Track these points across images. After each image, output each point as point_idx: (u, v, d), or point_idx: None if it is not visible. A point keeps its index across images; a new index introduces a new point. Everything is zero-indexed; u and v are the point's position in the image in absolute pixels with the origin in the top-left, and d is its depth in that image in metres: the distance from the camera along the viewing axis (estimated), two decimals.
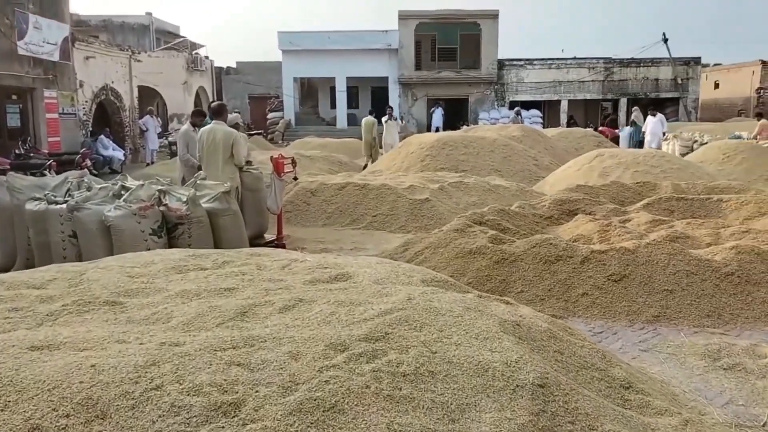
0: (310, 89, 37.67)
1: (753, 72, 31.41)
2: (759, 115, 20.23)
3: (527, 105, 31.19)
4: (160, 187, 6.80)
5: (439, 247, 6.75)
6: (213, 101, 21.49)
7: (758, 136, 17.29)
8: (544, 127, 25.67)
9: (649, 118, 18.21)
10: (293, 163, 8.31)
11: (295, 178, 8.79)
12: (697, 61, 33.10)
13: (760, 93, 30.40)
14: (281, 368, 2.50)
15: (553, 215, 8.68)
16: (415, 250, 7.00)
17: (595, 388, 3.12)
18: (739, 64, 34.02)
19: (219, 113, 7.89)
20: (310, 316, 3.10)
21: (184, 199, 6.60)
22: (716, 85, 35.33)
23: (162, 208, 6.63)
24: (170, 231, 6.62)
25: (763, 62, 31.09)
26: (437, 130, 25.58)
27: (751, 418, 3.66)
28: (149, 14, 31.98)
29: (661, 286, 5.52)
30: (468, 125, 26.30)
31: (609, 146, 17.93)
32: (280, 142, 29.85)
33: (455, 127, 25.62)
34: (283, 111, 33.79)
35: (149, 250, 6.04)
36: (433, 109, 28.66)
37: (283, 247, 8.09)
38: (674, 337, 4.94)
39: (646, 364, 4.47)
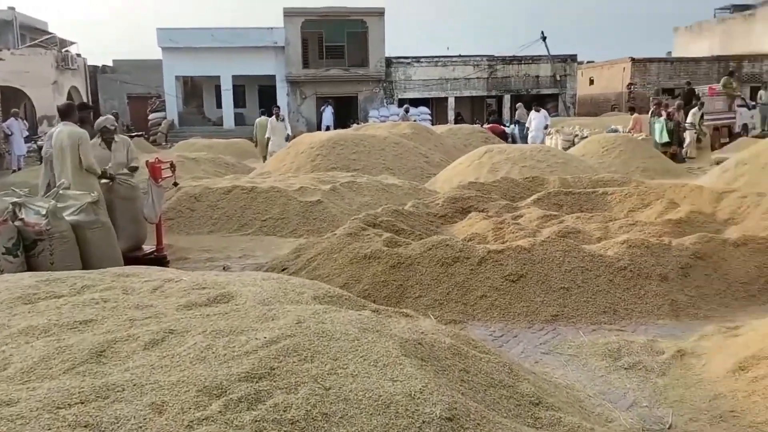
0: (194, 88, 36.08)
1: (624, 68, 33.35)
2: (632, 110, 21.43)
3: (416, 102, 31.44)
4: (14, 200, 5.99)
5: (332, 252, 6.39)
6: (84, 102, 19.95)
7: (632, 130, 18.26)
8: (432, 124, 25.90)
9: (533, 113, 18.70)
10: (172, 167, 7.64)
11: (175, 184, 8.11)
12: (573, 58, 34.74)
13: (630, 88, 32.32)
14: (140, 427, 2.04)
15: (447, 213, 8.56)
16: (308, 257, 6.60)
17: (504, 408, 2.88)
18: (611, 61, 36.03)
19: (66, 113, 6.98)
20: (182, 352, 2.64)
21: (43, 212, 5.84)
22: (591, 82, 37.24)
23: (17, 223, 5.84)
24: (28, 249, 5.85)
25: (633, 59, 33.09)
26: (328, 128, 25.16)
27: (656, 420, 3.57)
28: (12, 9, 29.34)
29: (558, 284, 5.46)
30: (358, 123, 26.10)
31: (497, 142, 18.26)
32: (163, 143, 28.33)
33: (346, 126, 25.34)
34: (165, 111, 32.11)
35: (2, 272, 5.27)
36: (323, 107, 28.21)
37: (164, 258, 7.42)
38: (574, 337, 4.86)
39: (549, 368, 4.34)
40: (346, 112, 31.66)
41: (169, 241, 8.17)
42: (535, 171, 11.67)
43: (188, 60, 31.21)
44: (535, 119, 18.36)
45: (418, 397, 2.38)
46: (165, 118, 31.71)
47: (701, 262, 5.63)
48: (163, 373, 2.44)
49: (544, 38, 34.39)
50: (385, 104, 32.54)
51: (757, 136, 18.50)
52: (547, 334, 4.99)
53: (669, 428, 3.49)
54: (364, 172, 12.67)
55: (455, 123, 29.19)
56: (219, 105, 33.42)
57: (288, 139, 17.47)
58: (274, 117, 17.53)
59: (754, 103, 21.46)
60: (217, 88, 33.01)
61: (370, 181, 11.09)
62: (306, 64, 32.38)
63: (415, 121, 23.69)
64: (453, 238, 6.56)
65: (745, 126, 20.02)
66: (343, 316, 3.09)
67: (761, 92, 22.15)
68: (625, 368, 4.23)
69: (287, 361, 2.54)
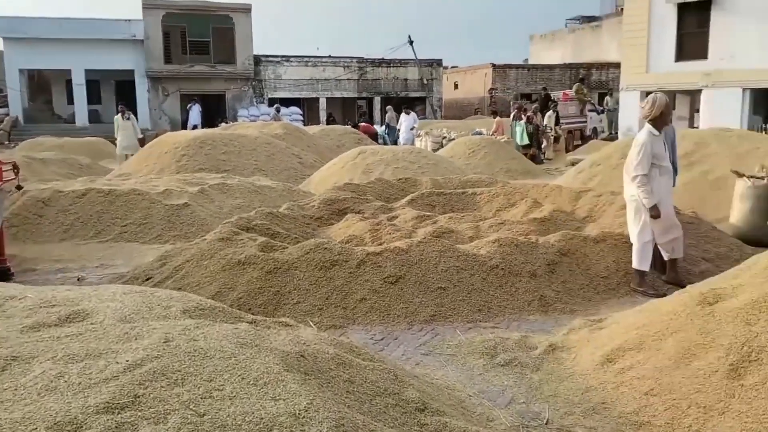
0: (41, 82, 33.20)
1: (486, 74, 34.97)
2: (494, 113, 22.44)
3: (287, 102, 31.03)
4: None
5: (202, 259, 6.03)
6: None
7: (495, 133, 19.13)
8: (305, 125, 25.67)
9: (403, 116, 19.02)
10: (15, 168, 6.88)
11: (19, 187, 7.31)
12: (439, 63, 35.90)
13: (492, 93, 33.95)
14: None
15: (323, 215, 8.41)
16: (175, 265, 6.19)
17: (391, 417, 2.78)
18: (473, 66, 37.65)
19: None
20: (27, 382, 2.29)
21: None
22: (456, 86, 38.70)
23: None
24: None
25: (494, 65, 34.77)
26: (195, 127, 24.12)
27: (534, 416, 3.64)
28: None
29: (435, 284, 5.49)
30: (227, 122, 25.27)
31: (369, 143, 18.39)
32: (5, 142, 25.79)
33: (214, 125, 24.43)
34: (8, 107, 29.28)
35: None
36: (189, 105, 27.00)
37: (7, 270, 6.66)
38: (452, 336, 4.89)
39: (429, 369, 4.32)
40: (214, 111, 30.57)
41: (13, 251, 7.37)
42: (407, 172, 11.82)
43: (34, 51, 28.66)
44: (405, 121, 18.75)
45: (303, 416, 2.22)
46: (8, 114, 28.91)
47: (566, 259, 5.90)
48: (4, 409, 2.09)
49: (411, 42, 35.22)
50: (255, 103, 31.81)
51: (605, 139, 20.07)
52: (426, 334, 4.99)
53: (546, 423, 3.57)
54: (234, 173, 12.22)
55: (327, 124, 29.15)
56: (71, 101, 31.00)
57: (140, 139, 16.49)
58: (119, 115, 16.43)
59: (602, 108, 23.26)
60: (68, 83, 30.60)
61: (241, 182, 10.69)
62: (168, 59, 30.86)
63: (286, 121, 23.31)
64: (330, 240, 6.43)
65: (595, 129, 21.64)
66: (218, 330, 2.85)
67: (608, 98, 24.11)
68: (502, 365, 4.30)
69: (154, 386, 2.27)
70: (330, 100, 33.98)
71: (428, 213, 8.10)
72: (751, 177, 7.43)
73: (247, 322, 3.30)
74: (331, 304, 5.37)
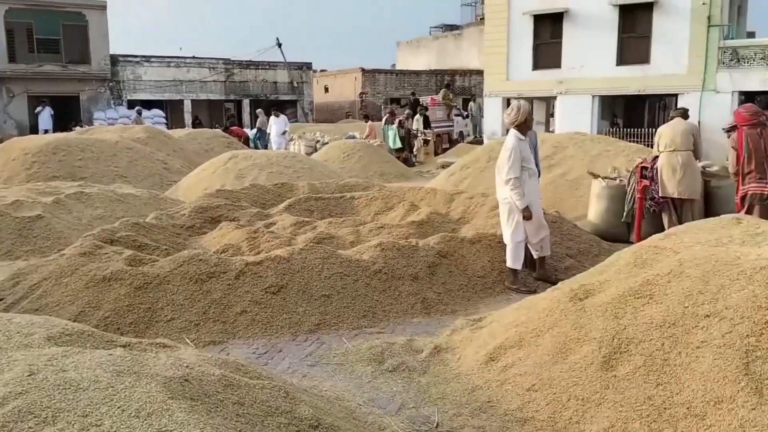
0: None
1: (355, 78, 35.29)
2: (366, 117, 22.69)
3: (148, 104, 29.46)
4: None
5: (62, 276, 5.54)
6: None
7: (368, 137, 19.34)
8: (168, 128, 24.49)
9: (272, 119, 18.40)
10: None
11: None
12: (309, 66, 35.73)
13: (362, 97, 34.32)
14: None
15: (195, 224, 8.05)
16: (30, 283, 5.64)
17: None
18: (343, 70, 37.87)
19: None
20: None
21: None
22: (326, 89, 38.72)
23: None
24: None
25: (363, 70, 35.17)
26: (46, 132, 22.24)
27: (425, 420, 3.67)
28: None
29: (319, 291, 5.41)
30: (82, 126, 23.55)
31: (240, 147, 17.88)
32: None
33: (67, 129, 22.66)
34: None
35: None
36: (39, 108, 24.85)
37: None
38: (338, 344, 4.84)
39: (317, 380, 4.24)
40: (67, 114, 28.37)
41: None
42: (282, 177, 11.62)
43: None
44: (275, 125, 18.17)
45: None
46: None
47: (445, 260, 6.05)
48: None
49: (279, 45, 34.77)
50: (113, 105, 29.91)
51: (471, 142, 20.94)
52: (311, 344, 4.89)
53: (437, 427, 3.61)
54: (93, 181, 11.39)
55: (193, 127, 28.00)
56: None
57: None
58: None
59: (467, 113, 24.25)
60: None
61: (101, 191, 9.97)
62: (13, 58, 28.23)
63: (149, 124, 22.13)
64: (205, 251, 6.15)
65: (461, 133, 22.52)
66: (89, 358, 2.60)
67: (471, 104, 25.18)
68: (390, 371, 4.31)
69: (21, 427, 2.02)
70: (195, 103, 32.72)
71: (307, 219, 8.00)
72: (606, 178, 8.03)
73: (121, 346, 3.04)
74: (209, 319, 5.12)
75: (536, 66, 18.40)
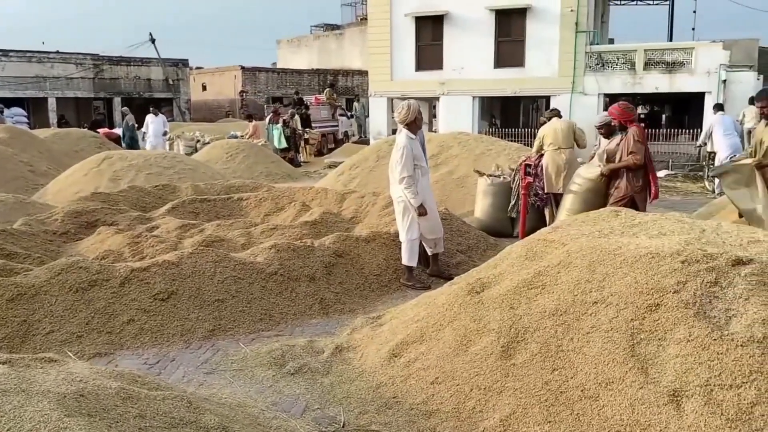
0: None
1: (235, 76, 34.45)
2: (249, 117, 22.18)
3: (7, 102, 27.13)
4: None
5: None
6: None
7: (252, 136, 18.92)
8: (31, 128, 22.68)
9: (150, 117, 17.44)
10: None
11: None
12: (185, 63, 34.44)
13: (243, 96, 33.56)
14: None
15: (70, 230, 7.53)
16: None
17: None
18: (222, 68, 36.83)
19: None
20: None
21: None
22: (204, 87, 37.48)
23: None
24: None
25: (243, 68, 34.40)
26: None
27: (331, 420, 3.64)
28: None
29: (212, 296, 5.21)
30: None
31: (113, 148, 16.84)
32: None
33: None
34: None
35: None
36: None
37: None
38: (235, 350, 4.68)
39: (216, 388, 4.08)
40: None
41: None
42: (163, 178, 11.11)
43: None
44: (153, 123, 17.23)
45: None
46: None
47: (341, 260, 6.03)
48: None
49: (153, 40, 33.25)
50: None
51: (357, 142, 21.07)
52: (206, 351, 4.70)
53: (343, 426, 3.58)
54: None
55: (59, 126, 26.12)
56: None
57: None
58: None
59: (351, 113, 24.38)
60: None
61: None
62: None
63: (10, 123, 20.33)
64: (84, 258, 5.73)
65: (346, 133, 22.60)
66: None
67: (356, 104, 25.34)
68: (292, 373, 4.23)
69: None
70: (61, 101, 30.57)
71: (193, 221, 7.70)
72: (490, 176, 8.35)
73: (1, 363, 2.77)
74: (92, 330, 4.79)
75: (419, 67, 18.83)
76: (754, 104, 14.11)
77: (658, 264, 3.68)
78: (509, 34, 17.76)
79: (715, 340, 3.23)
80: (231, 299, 5.25)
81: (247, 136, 18.80)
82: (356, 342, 4.58)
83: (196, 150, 17.64)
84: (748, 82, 15.34)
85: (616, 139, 6.48)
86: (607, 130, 6.84)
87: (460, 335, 3.95)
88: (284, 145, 17.84)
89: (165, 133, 17.62)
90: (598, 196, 6.66)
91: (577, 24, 16.61)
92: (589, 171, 6.64)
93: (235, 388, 4.08)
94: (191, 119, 33.12)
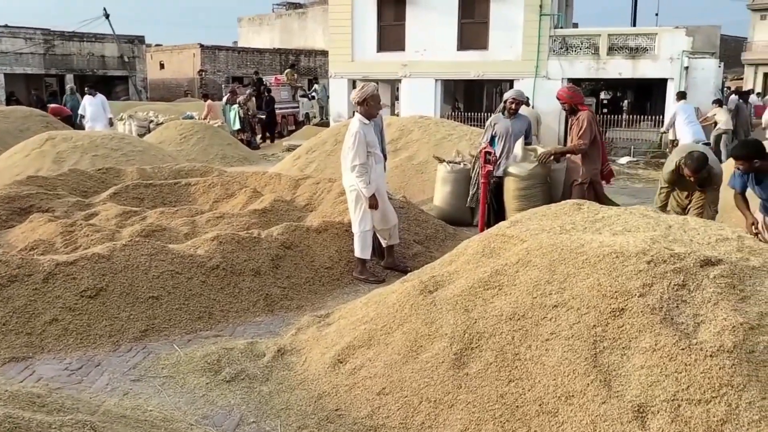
0: None
1: (194, 54, 33.40)
2: (205, 96, 21.45)
3: None
4: None
5: None
6: None
7: (207, 117, 18.26)
8: None
9: (87, 99, 14.88)
10: None
11: None
12: (141, 40, 33.24)
13: (202, 75, 32.59)
14: None
15: (1, 216, 6.98)
16: None
17: None
18: (180, 46, 35.70)
19: None
20: None
21: None
22: (162, 66, 36.31)
23: None
24: None
25: (202, 46, 33.37)
26: None
27: None
28: None
29: (146, 293, 4.80)
30: None
31: (61, 127, 16.00)
32: None
33: None
34: None
35: None
36: None
37: None
38: (168, 353, 4.29)
39: (142, 398, 3.70)
40: None
41: None
42: (109, 161, 10.54)
43: None
44: (91, 106, 15.06)
45: None
46: None
47: (290, 252, 5.66)
48: None
49: (107, 16, 31.92)
50: None
51: (318, 124, 20.57)
52: (136, 355, 4.30)
53: None
54: None
55: (8, 104, 24.91)
56: None
57: None
58: None
59: (312, 94, 23.81)
60: None
61: None
62: None
63: None
64: (9, 248, 5.25)
65: (307, 115, 22.05)
66: None
67: (317, 85, 24.77)
68: (228, 381, 3.87)
69: None
70: (10, 77, 29.19)
71: (135, 208, 7.22)
72: (450, 162, 8.05)
73: None
74: (10, 331, 4.35)
75: (381, 48, 18.36)
76: (720, 105, 14.20)
77: (622, 264, 3.42)
78: (473, 16, 17.41)
79: (682, 349, 2.98)
80: (167, 296, 4.84)
81: (203, 117, 18.13)
82: (300, 344, 4.23)
83: (149, 130, 16.93)
84: (710, 69, 15.34)
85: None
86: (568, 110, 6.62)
87: (410, 340, 3.64)
88: (238, 126, 17.26)
89: (110, 121, 15.05)
90: (540, 189, 6.51)
91: (541, 7, 16.36)
92: (521, 167, 6.54)
93: (164, 398, 3.71)
94: (148, 98, 32.04)
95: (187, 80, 34.07)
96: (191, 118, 18.12)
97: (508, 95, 6.94)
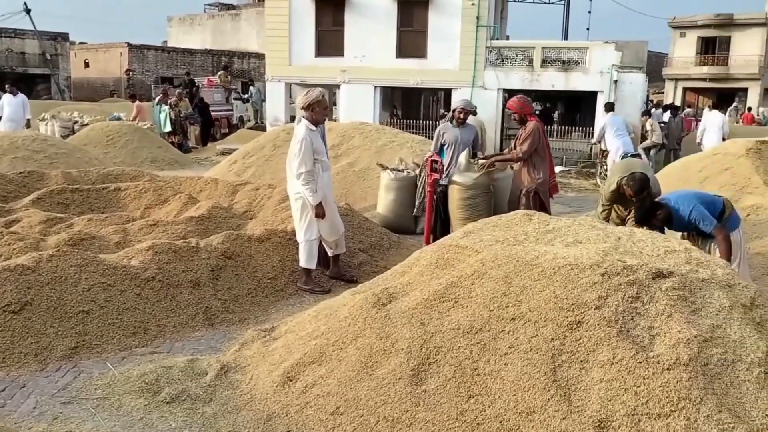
0: None
1: (121, 53, 32.20)
2: (133, 97, 20.65)
3: None
4: None
5: None
6: None
7: (135, 118, 17.57)
8: None
9: (6, 98, 13.79)
10: None
11: None
12: (64, 37, 31.81)
13: (129, 75, 31.43)
14: None
15: None
16: None
17: None
18: (106, 44, 34.35)
19: None
20: None
21: None
22: (87, 64, 34.83)
23: None
24: None
25: (129, 45, 32.20)
26: None
27: None
28: None
29: (76, 307, 4.47)
30: None
31: None
32: None
33: None
34: None
35: None
36: None
37: None
38: (101, 372, 4.00)
39: (74, 423, 3.42)
40: None
41: None
42: (31, 163, 9.95)
43: None
44: (10, 106, 13.70)
45: None
46: None
47: (231, 262, 5.42)
48: None
49: (27, 11, 30.37)
50: None
51: (253, 128, 20.15)
52: (66, 374, 3.99)
53: None
54: None
55: None
56: None
57: None
58: None
59: (247, 96, 23.33)
60: None
61: None
62: None
63: None
64: None
65: (241, 118, 21.57)
66: None
67: (252, 88, 24.28)
68: (168, 402, 3.62)
69: None
70: None
71: (61, 215, 6.79)
72: (393, 170, 7.97)
73: None
74: None
75: (319, 53, 18.15)
76: (650, 116, 14.81)
77: (577, 276, 3.40)
78: (412, 24, 17.46)
79: (640, 363, 2.98)
80: (98, 310, 4.53)
81: (131, 118, 17.42)
82: (245, 361, 4.03)
83: (73, 132, 16.09)
84: (637, 82, 15.93)
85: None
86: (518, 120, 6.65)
87: (364, 356, 3.50)
88: (169, 128, 16.68)
89: (28, 124, 13.91)
90: (483, 198, 6.54)
91: (478, 18, 16.58)
92: (465, 176, 6.54)
93: (98, 423, 3.44)
94: (71, 98, 30.64)
95: (113, 80, 32.80)
96: (119, 119, 17.36)
97: (456, 104, 6.90)
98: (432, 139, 7.53)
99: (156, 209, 7.51)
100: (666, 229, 4.97)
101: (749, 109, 26.32)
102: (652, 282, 3.35)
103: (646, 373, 2.93)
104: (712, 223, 4.74)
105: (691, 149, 13.57)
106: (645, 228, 4.86)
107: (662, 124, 15.85)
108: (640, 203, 5.33)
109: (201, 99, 18.84)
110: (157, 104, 17.32)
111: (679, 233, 5.15)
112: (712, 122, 13.61)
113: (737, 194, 8.04)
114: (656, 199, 5.05)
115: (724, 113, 22.79)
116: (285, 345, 4.04)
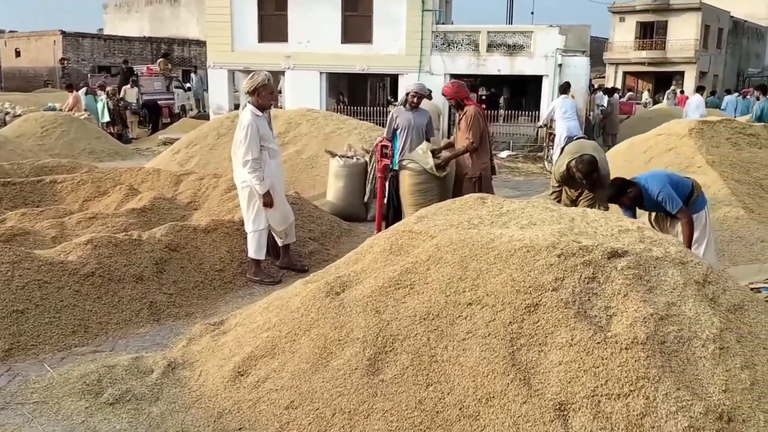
0: None
1: (54, 42, 30.82)
2: (69, 87, 19.79)
3: None
4: None
5: None
6: None
7: (72, 108, 16.84)
8: None
9: None
10: None
11: None
12: None
13: (64, 64, 30.15)
14: None
15: None
16: None
17: None
18: (38, 32, 32.83)
19: None
20: None
21: None
22: (18, 53, 33.25)
23: None
24: None
25: (63, 33, 30.86)
26: None
27: None
28: None
29: (9, 306, 4.19)
30: None
31: None
32: None
33: None
34: None
35: None
36: None
37: None
38: (39, 374, 3.77)
39: (10, 429, 3.19)
40: None
41: None
42: None
43: None
44: None
45: None
46: None
47: (176, 255, 5.21)
48: None
49: None
50: None
51: (196, 117, 19.61)
52: (0, 377, 3.74)
53: None
54: None
55: None
56: None
57: None
58: None
59: (188, 85, 22.68)
60: None
61: None
62: None
63: None
64: None
65: (183, 107, 20.96)
66: None
67: (193, 75, 23.63)
68: (111, 403, 3.43)
69: None
70: None
71: None
72: (342, 156, 7.83)
73: None
74: None
75: (262, 38, 17.74)
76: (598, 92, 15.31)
77: (534, 258, 3.36)
78: (356, 9, 17.23)
79: (598, 343, 2.95)
80: (34, 309, 4.26)
81: (67, 109, 16.68)
82: (193, 356, 3.86)
83: (5, 123, 15.33)
84: (581, 66, 16.15)
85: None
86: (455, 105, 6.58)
87: (319, 347, 3.39)
88: (107, 118, 16.07)
89: None
90: (436, 183, 6.47)
91: (423, 2, 16.48)
92: (419, 161, 6.44)
93: (36, 428, 3.22)
94: (2, 88, 29.21)
95: (47, 69, 31.42)
96: (54, 109, 16.62)
97: (409, 88, 6.79)
98: (380, 125, 7.42)
99: (95, 202, 7.19)
100: (637, 209, 5.02)
101: (682, 92, 27.15)
102: (608, 262, 3.33)
103: (604, 353, 2.91)
104: (678, 204, 4.79)
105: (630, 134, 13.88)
106: (601, 208, 4.89)
107: (601, 107, 16.21)
108: (590, 185, 5.36)
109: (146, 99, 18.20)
110: (86, 93, 16.65)
111: (648, 213, 5.20)
112: (689, 104, 14.66)
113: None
114: (629, 179, 5.06)
115: (662, 97, 23.48)
116: (235, 339, 3.89)
